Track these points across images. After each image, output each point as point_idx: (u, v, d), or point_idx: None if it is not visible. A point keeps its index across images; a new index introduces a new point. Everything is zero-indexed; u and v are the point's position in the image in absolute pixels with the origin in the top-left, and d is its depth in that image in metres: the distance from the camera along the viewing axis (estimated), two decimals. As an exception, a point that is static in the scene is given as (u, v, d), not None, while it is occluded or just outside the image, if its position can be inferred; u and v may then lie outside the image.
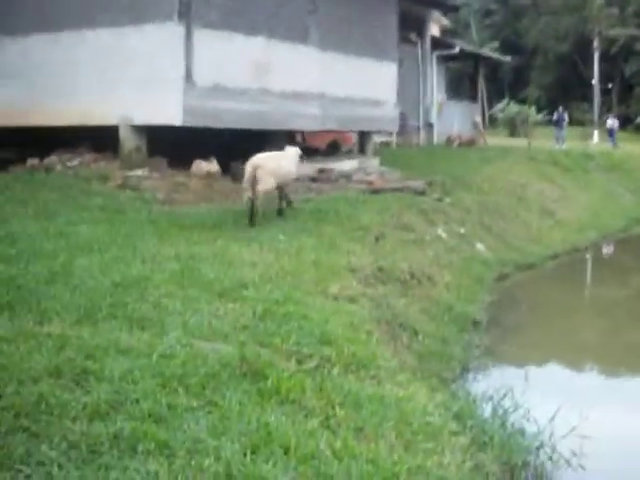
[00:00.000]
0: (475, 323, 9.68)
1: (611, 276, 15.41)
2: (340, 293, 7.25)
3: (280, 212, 10.58)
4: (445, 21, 36.68)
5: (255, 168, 9.84)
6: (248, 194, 9.74)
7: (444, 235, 12.97)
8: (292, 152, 11.17)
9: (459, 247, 12.91)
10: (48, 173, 12.05)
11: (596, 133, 66.78)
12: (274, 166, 10.24)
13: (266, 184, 9.86)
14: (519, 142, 33.41)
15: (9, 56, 13.39)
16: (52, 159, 12.76)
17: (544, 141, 38.21)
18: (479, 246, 13.58)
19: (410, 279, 9.68)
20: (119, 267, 6.66)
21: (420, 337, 7.90)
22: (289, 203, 10.87)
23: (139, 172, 11.83)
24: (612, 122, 38.38)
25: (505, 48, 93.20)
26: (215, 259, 7.43)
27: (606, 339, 10.70)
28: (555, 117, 36.83)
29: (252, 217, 9.74)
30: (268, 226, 9.47)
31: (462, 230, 13.82)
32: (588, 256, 16.91)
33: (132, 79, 12.02)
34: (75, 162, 12.53)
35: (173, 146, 12.37)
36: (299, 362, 5.09)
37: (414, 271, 9.97)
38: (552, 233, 17.06)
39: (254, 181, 9.72)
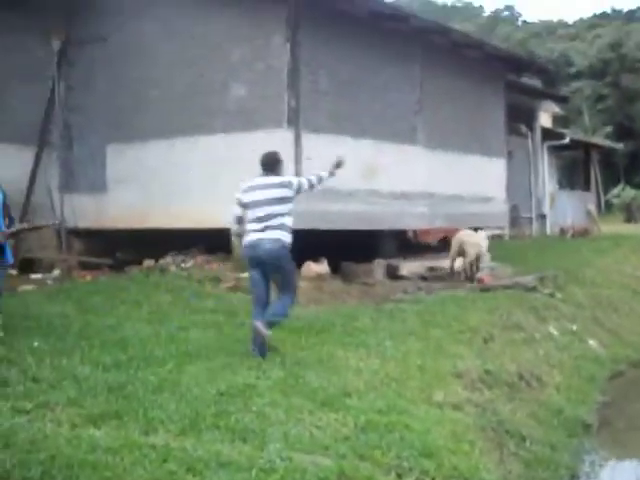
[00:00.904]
0: (586, 426, 9.42)
1: None
2: (444, 400, 7.22)
3: (472, 279, 13.96)
4: (556, 109, 36.56)
5: (461, 243, 13.69)
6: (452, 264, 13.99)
7: (555, 333, 12.75)
8: (483, 234, 14.61)
9: (571, 345, 12.64)
10: (163, 274, 12.45)
11: None
12: (475, 241, 13.95)
13: (470, 255, 13.74)
14: (635, 228, 32.77)
15: (128, 162, 14.09)
16: (167, 260, 13.22)
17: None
18: (591, 343, 13.29)
19: (518, 381, 9.54)
20: (225, 375, 6.82)
21: (527, 444, 7.76)
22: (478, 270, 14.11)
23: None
24: None
25: (619, 133, 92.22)
26: (320, 365, 7.52)
27: None
28: None
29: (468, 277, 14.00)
30: (376, 331, 9.49)
31: (574, 327, 13.55)
32: None
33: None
34: (189, 264, 12.94)
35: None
36: (399, 476, 5.12)
37: (523, 373, 9.83)
38: (670, 327, 16.54)
39: (460, 252, 13.72)
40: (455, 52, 15.74)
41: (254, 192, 8.01)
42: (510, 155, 22.55)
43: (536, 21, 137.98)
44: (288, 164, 11.86)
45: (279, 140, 12.20)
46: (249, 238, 7.97)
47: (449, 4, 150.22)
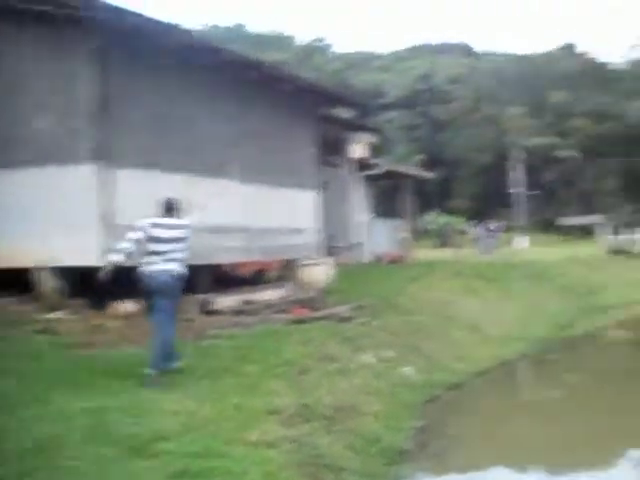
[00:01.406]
0: (403, 452, 9.61)
1: (538, 392, 15.53)
2: (260, 439, 7.17)
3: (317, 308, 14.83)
4: (371, 138, 37.52)
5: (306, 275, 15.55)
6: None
7: (371, 361, 12.96)
8: (325, 266, 16.98)
9: (386, 372, 12.88)
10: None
11: (522, 238, 68.57)
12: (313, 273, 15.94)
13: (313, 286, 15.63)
14: (448, 253, 34.13)
15: None
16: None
17: (473, 250, 39.16)
18: (407, 369, 13.58)
19: (335, 413, 9.59)
20: (30, 426, 6.51)
21: (345, 475, 7.81)
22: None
23: (57, 314, 11.72)
24: (480, 230, 38.94)
25: (431, 161, 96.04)
26: (134, 409, 7.31)
27: (535, 459, 10.74)
28: (486, 227, 37.79)
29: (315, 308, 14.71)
30: (191, 369, 9.33)
31: (389, 354, 13.82)
32: (514, 370, 16.98)
33: (50, 220, 12.06)
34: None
35: (94, 286, 12.28)
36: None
37: (339, 404, 9.90)
38: (479, 349, 17.14)
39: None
40: (268, 86, 15.84)
41: (159, 229, 9.25)
42: (325, 186, 22.91)
43: (349, 52, 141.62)
44: (96, 199, 11.70)
45: (87, 174, 11.92)
46: (151, 268, 9.13)
47: (262, 34, 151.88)
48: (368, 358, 12.94)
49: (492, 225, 38.45)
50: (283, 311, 14.53)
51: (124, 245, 9.28)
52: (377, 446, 9.25)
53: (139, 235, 9.25)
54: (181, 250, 9.39)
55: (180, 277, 9.36)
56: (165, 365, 9.03)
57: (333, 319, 14.03)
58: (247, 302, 14.30)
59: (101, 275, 9.47)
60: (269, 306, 14.73)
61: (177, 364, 9.33)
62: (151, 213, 12.37)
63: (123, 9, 11.66)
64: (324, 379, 10.70)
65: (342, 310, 14.82)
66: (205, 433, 6.92)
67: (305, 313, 14.15)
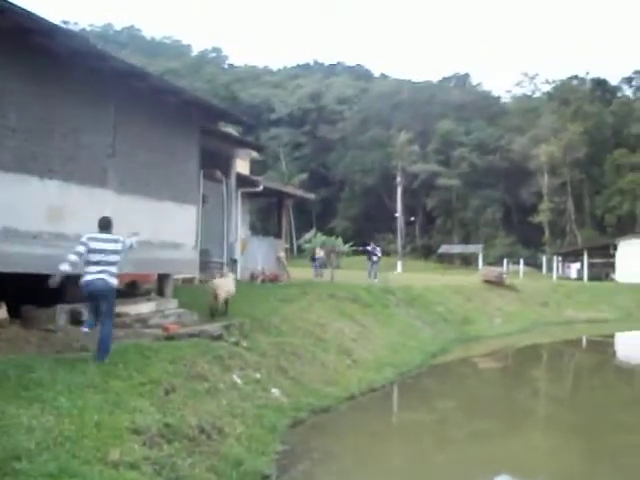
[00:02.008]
0: (264, 477, 9.62)
1: (404, 420, 15.80)
2: (120, 459, 7.10)
3: (225, 311, 17.21)
4: (254, 154, 37.52)
5: (215, 287, 17.03)
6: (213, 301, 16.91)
7: (239, 382, 12.97)
8: (231, 277, 18.86)
9: (254, 394, 12.91)
10: None
11: (399, 263, 69.78)
12: (225, 284, 17.50)
13: (221, 297, 17.02)
14: (325, 273, 34.33)
15: None
16: None
17: (351, 272, 39.55)
18: (274, 391, 13.63)
19: (199, 434, 9.58)
20: None
21: (204, 500, 7.79)
22: (226, 307, 17.31)
23: None
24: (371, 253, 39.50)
25: (314, 180, 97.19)
26: (-10, 424, 7.11)
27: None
28: (369, 250, 38.17)
29: (213, 314, 16.77)
30: (53, 383, 9.10)
31: (258, 375, 13.85)
32: (383, 395, 17.19)
33: None
34: None
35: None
36: None
37: (204, 425, 9.89)
38: (349, 373, 17.33)
39: (216, 294, 16.87)
40: (153, 97, 15.62)
41: (96, 242, 10.98)
42: (204, 200, 22.81)
43: (242, 65, 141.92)
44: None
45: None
46: (88, 278, 10.91)
47: (157, 39, 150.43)
48: (236, 379, 12.93)
49: (375, 249, 38.87)
50: (154, 326, 14.35)
51: (70, 257, 10.75)
52: (239, 470, 9.28)
53: (81, 248, 10.84)
54: (113, 262, 11.13)
55: (110, 286, 11.07)
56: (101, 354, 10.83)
57: (204, 337, 13.94)
58: (117, 315, 14.04)
59: (51, 282, 10.65)
60: (140, 320, 14.51)
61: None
62: (21, 218, 12.22)
63: (9, 4, 11.31)
64: (190, 399, 10.66)
65: (213, 328, 14.75)
66: (63, 451, 6.79)
67: (176, 329, 14.01)
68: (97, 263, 10.89)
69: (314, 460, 11.24)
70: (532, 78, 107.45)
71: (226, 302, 17.44)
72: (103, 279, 10.91)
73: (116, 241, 11.20)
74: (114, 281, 11.11)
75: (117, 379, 9.91)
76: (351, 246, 37.93)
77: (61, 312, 13.18)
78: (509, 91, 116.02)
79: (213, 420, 10.34)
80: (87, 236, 10.98)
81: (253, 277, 27.76)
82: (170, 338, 13.25)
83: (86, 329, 11.26)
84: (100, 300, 11.06)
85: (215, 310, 17.04)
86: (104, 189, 14.28)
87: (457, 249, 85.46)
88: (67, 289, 13.81)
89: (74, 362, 10.28)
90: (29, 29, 11.89)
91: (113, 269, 11.09)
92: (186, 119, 17.42)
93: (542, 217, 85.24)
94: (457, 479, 11.13)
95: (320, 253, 36.15)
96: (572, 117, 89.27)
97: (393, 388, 18.05)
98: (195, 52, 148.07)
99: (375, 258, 38.03)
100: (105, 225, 11.28)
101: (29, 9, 11.62)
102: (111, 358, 10.77)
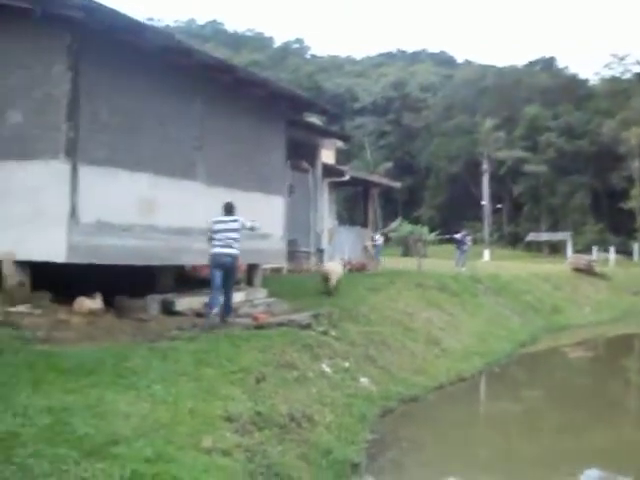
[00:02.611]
0: (354, 466, 9.70)
1: (493, 410, 15.72)
2: (213, 446, 7.24)
3: (335, 293, 19.39)
4: (340, 143, 37.63)
5: (328, 271, 19.83)
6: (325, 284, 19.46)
7: (328, 370, 13.05)
8: (340, 262, 22.56)
9: (343, 383, 12.97)
10: None
11: (487, 252, 69.00)
12: (335, 269, 20.39)
13: (332, 280, 19.36)
14: (412, 262, 34.12)
15: None
16: None
17: (437, 261, 39.25)
18: (363, 380, 13.69)
19: (289, 422, 9.68)
20: (-12, 422, 6.53)
21: (294, 487, 7.90)
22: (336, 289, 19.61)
23: (21, 308, 11.66)
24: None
25: (399, 168, 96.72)
26: (89, 410, 7.30)
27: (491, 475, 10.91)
28: (458, 238, 37.60)
29: (329, 294, 19.16)
30: (148, 371, 9.33)
31: (347, 364, 13.92)
32: (472, 385, 17.13)
33: (17, 214, 12.00)
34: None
35: (58, 281, 12.28)
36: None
37: (294, 413, 9.99)
38: (438, 362, 17.30)
39: (327, 277, 19.50)
40: (239, 89, 15.85)
41: (219, 224, 13.39)
42: (291, 190, 23.01)
43: (325, 55, 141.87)
44: (64, 196, 11.69)
45: (54, 171, 11.91)
46: (214, 250, 13.28)
47: (240, 32, 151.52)
48: (325, 367, 13.02)
49: (465, 237, 38.15)
50: (243, 315, 14.56)
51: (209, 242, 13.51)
52: (329, 458, 9.34)
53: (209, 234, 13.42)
54: (235, 238, 13.42)
55: (234, 258, 13.48)
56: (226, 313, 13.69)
57: (293, 326, 14.08)
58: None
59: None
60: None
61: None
62: (114, 211, 12.56)
63: (98, 5, 11.64)
64: (280, 387, 10.78)
65: (302, 317, 14.88)
66: (158, 437, 6.96)
67: (265, 319, 14.19)
68: (220, 240, 13.26)
69: (403, 449, 11.29)
70: (622, 59, 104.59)
71: (336, 284, 19.73)
72: (226, 252, 13.27)
73: (235, 221, 13.49)
74: (235, 252, 13.42)
75: (209, 367, 10.08)
76: (437, 235, 37.68)
77: (153, 302, 13.52)
78: (597, 73, 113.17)
79: (303, 408, 10.43)
80: (212, 220, 13.43)
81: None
82: (260, 327, 13.41)
83: (215, 309, 13.35)
84: (224, 269, 13.33)
85: (328, 291, 19.36)
86: (193, 181, 14.58)
87: (545, 236, 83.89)
88: (159, 279, 14.18)
89: (167, 351, 10.51)
90: (117, 28, 12.18)
91: (234, 244, 13.38)
92: (272, 110, 17.62)
93: (633, 203, 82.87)
94: (545, 471, 11.02)
95: (379, 240, 35.56)
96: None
97: (481, 378, 17.95)
98: (278, 43, 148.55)
99: (465, 247, 37.44)
100: (227, 209, 13.67)
101: (117, 9, 11.95)
102: (203, 346, 11.00)
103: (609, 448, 12.38)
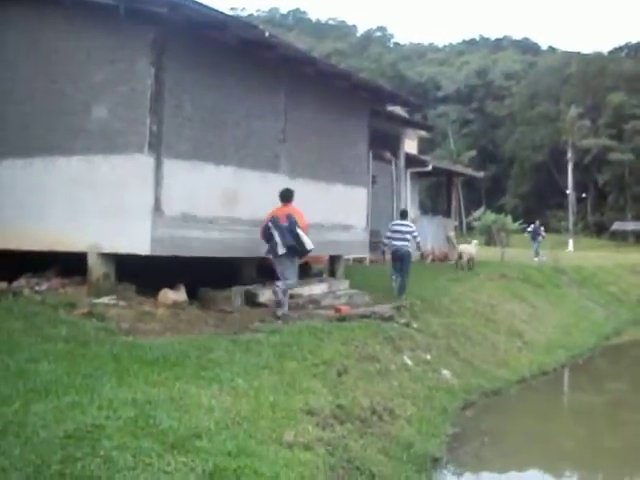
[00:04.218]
0: (435, 460, 9.66)
1: (576, 403, 15.50)
2: (295, 440, 7.26)
3: (469, 269, 25.52)
4: (423, 132, 37.41)
5: (461, 251, 25.91)
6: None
7: (410, 363, 13.03)
8: (474, 243, 27.90)
9: (424, 375, 12.95)
10: (16, 298, 12.00)
11: (571, 241, 67.87)
12: (469, 249, 26.00)
13: (465, 257, 25.46)
14: (494, 252, 33.80)
15: (-20, 181, 13.59)
16: (21, 283, 12.76)
17: (520, 250, 38.76)
18: (445, 373, 13.63)
19: (370, 415, 9.69)
20: (75, 414, 6.61)
21: (375, 481, 7.89)
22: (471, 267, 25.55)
23: (106, 300, 11.88)
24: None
25: (482, 157, 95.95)
26: (172, 403, 7.38)
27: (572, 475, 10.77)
28: (531, 229, 37.28)
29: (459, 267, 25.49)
30: (231, 364, 9.42)
31: (428, 356, 13.88)
32: (555, 379, 16.90)
33: (101, 207, 12.23)
34: (43, 287, 12.53)
35: (142, 273, 12.48)
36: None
37: (375, 406, 9.99)
38: (520, 355, 17.14)
39: (461, 255, 25.73)
40: (321, 82, 15.86)
41: (395, 226, 18.20)
42: (374, 181, 22.98)
43: (407, 43, 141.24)
44: (148, 189, 11.88)
45: (139, 165, 12.09)
46: (394, 243, 17.93)
47: (323, 21, 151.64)
48: (407, 360, 13.00)
49: (539, 228, 37.72)
50: (326, 307, 14.61)
51: (385, 240, 18.46)
52: (410, 452, 9.32)
53: (388, 233, 18.22)
54: (407, 238, 17.84)
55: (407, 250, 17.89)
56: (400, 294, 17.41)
57: (375, 318, 14.08)
58: (291, 296, 14.40)
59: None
60: (312, 301, 14.83)
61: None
62: (198, 204, 12.71)
63: (182, 1, 11.77)
64: (362, 380, 10.80)
65: (384, 309, 14.87)
66: (240, 431, 7.01)
67: (347, 310, 14.21)
68: (396, 239, 17.72)
69: (484, 443, 11.21)
70: None
71: (470, 262, 25.71)
72: (402, 246, 17.73)
73: (408, 225, 18.13)
74: (408, 249, 17.84)
75: (291, 360, 10.14)
76: (520, 224, 37.21)
77: (237, 293, 13.62)
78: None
79: (384, 401, 10.43)
80: (391, 224, 18.69)
81: (423, 256, 27.69)
82: (342, 319, 13.43)
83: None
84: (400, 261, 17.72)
85: (460, 266, 25.35)
86: (276, 174, 14.66)
87: (631, 226, 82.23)
88: (242, 271, 14.30)
89: (250, 343, 10.59)
90: (201, 23, 12.29)
91: (407, 243, 17.72)
92: (355, 102, 17.60)
93: None
94: (629, 464, 10.85)
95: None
96: None
97: (564, 371, 17.72)
98: (360, 32, 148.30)
99: (540, 238, 37.03)
100: (403, 214, 18.91)
101: (200, 3, 12.06)
102: (285, 339, 11.07)
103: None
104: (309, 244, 13.12)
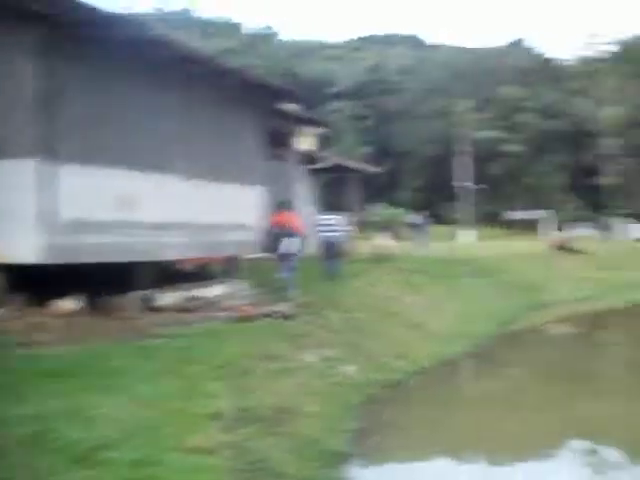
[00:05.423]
0: (341, 455, 9.68)
1: (476, 390, 15.76)
2: (200, 445, 7.19)
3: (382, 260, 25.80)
4: (318, 131, 37.47)
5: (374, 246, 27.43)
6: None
7: (313, 360, 13.03)
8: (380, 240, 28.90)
9: (328, 371, 12.96)
10: None
11: (466, 232, 69.27)
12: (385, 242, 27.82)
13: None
14: (395, 245, 34.05)
15: None
16: None
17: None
18: (347, 368, 13.66)
19: (276, 415, 9.64)
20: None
21: (280, 480, 7.87)
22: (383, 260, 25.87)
23: (-1, 311, 11.56)
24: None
25: (378, 152, 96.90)
26: (75, 415, 7.25)
27: (471, 464, 10.93)
28: (416, 222, 37.24)
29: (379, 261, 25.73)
30: (132, 371, 9.27)
31: (330, 352, 13.90)
32: (455, 368, 17.16)
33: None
34: None
35: (38, 282, 12.14)
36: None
37: (280, 405, 9.96)
38: (420, 346, 17.28)
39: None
40: (214, 81, 15.70)
41: (324, 220, 21.11)
42: (271, 179, 22.91)
43: (299, 40, 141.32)
44: (36, 195, 11.55)
45: (27, 169, 11.71)
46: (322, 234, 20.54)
47: (211, 19, 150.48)
48: (309, 357, 13.00)
49: (419, 218, 37.61)
50: (226, 308, 14.52)
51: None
52: (316, 448, 9.32)
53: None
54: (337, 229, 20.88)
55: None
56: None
57: (276, 317, 14.06)
58: (191, 299, 14.26)
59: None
60: (212, 303, 14.71)
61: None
62: (91, 208, 12.42)
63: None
64: (266, 380, 10.76)
65: (285, 308, 14.85)
66: (145, 440, 6.91)
67: (248, 311, 14.15)
68: (326, 231, 20.53)
69: (388, 434, 11.29)
70: (595, 39, 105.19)
71: (382, 256, 26.19)
72: (331, 236, 20.50)
73: (334, 218, 21.14)
74: (337, 239, 20.62)
75: (194, 364, 10.05)
76: (426, 217, 37.57)
77: (135, 299, 13.41)
78: (572, 54, 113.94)
79: (289, 400, 10.41)
80: (318, 217, 21.83)
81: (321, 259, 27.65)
82: (243, 320, 13.38)
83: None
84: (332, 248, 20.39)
85: (378, 259, 25.77)
86: (170, 175, 14.43)
87: (523, 215, 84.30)
88: (140, 276, 14.08)
89: (150, 349, 10.47)
90: (89, 21, 12.01)
91: (336, 233, 20.58)
92: (248, 100, 17.51)
93: (609, 179, 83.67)
94: (529, 445, 11.13)
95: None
96: (638, 77, 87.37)
97: (464, 359, 17.98)
98: (251, 29, 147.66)
99: (425, 230, 37.01)
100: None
101: (86, 2, 11.79)
102: (187, 343, 10.95)
103: (593, 422, 12.47)
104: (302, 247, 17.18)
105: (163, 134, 14.42)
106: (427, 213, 39.81)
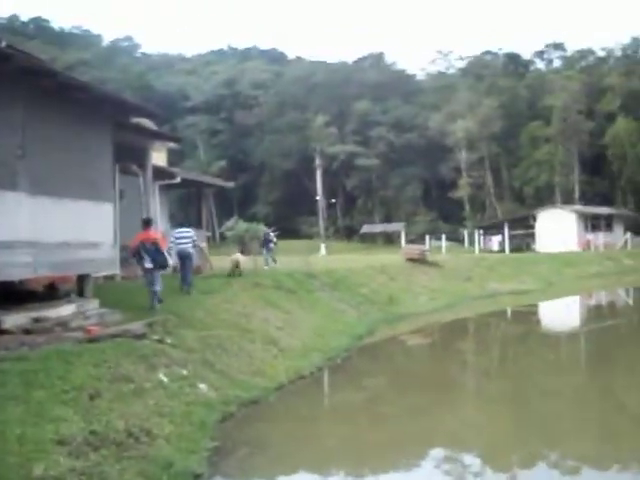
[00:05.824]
0: (197, 477, 9.54)
1: (335, 403, 15.87)
2: (46, 473, 6.94)
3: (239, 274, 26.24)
4: (171, 144, 37.08)
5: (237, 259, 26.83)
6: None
7: (166, 380, 12.81)
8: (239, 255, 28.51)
9: (181, 391, 12.75)
10: None
11: (323, 246, 69.88)
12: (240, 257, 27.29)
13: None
14: (248, 261, 33.92)
15: None
16: None
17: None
18: (202, 387, 13.50)
19: (127, 438, 9.44)
20: None
21: (135, 507, 7.68)
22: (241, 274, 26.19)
23: None
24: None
25: (233, 166, 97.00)
26: None
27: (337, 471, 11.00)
28: (265, 237, 36.77)
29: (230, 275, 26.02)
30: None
31: (184, 371, 13.70)
32: (311, 382, 17.16)
33: None
34: None
35: None
36: None
37: (131, 428, 9.76)
38: (276, 362, 17.26)
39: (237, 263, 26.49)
40: (63, 95, 15.21)
41: (181, 233, 21.84)
42: (121, 195, 22.48)
43: (155, 53, 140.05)
44: None
45: None
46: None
47: (66, 30, 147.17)
48: (162, 377, 12.78)
49: (268, 234, 37.24)
50: (75, 329, 14.08)
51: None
52: (170, 471, 9.18)
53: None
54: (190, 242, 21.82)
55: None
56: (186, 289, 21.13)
57: (128, 336, 13.74)
58: (37, 320, 13.75)
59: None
60: (60, 323, 14.21)
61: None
62: None
63: None
64: (116, 402, 10.50)
65: (136, 327, 14.52)
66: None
67: (98, 331, 13.77)
68: (181, 243, 21.47)
69: (246, 453, 11.20)
70: (446, 55, 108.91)
71: (239, 270, 26.43)
72: (186, 248, 21.47)
73: (189, 231, 22.16)
74: (190, 250, 21.66)
75: (39, 388, 9.68)
76: (274, 231, 37.60)
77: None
78: (424, 69, 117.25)
79: (140, 422, 10.20)
80: (174, 231, 22.46)
81: (175, 270, 27.34)
82: (92, 340, 12.99)
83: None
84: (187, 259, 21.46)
85: (233, 273, 26.14)
86: (15, 192, 13.84)
87: (379, 228, 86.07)
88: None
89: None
90: None
91: (189, 245, 21.64)
92: (98, 115, 17.08)
93: (462, 192, 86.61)
94: (392, 454, 11.29)
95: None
96: (487, 92, 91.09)
97: (322, 373, 18.04)
98: (106, 42, 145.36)
99: (271, 245, 36.72)
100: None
101: None
102: (32, 366, 10.54)
103: (451, 427, 12.89)
104: (169, 259, 18.42)
105: (7, 149, 13.81)
106: (274, 228, 39.80)
